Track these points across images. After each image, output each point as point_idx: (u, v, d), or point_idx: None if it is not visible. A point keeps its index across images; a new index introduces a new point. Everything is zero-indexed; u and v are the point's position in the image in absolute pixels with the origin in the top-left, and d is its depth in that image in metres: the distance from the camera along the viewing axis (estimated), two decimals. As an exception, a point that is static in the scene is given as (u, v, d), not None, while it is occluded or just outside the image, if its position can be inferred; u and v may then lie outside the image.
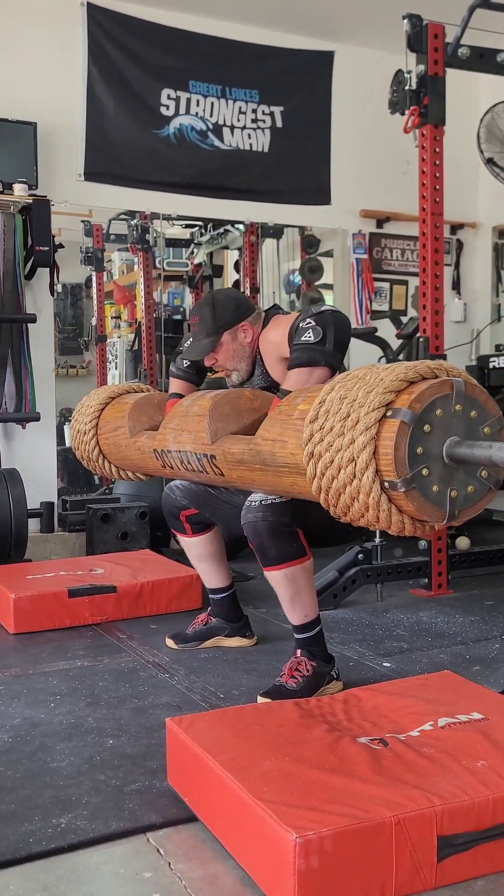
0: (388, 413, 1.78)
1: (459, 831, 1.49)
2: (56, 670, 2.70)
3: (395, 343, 4.79)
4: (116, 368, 5.55)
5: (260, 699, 2.35)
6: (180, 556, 4.06)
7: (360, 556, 3.45)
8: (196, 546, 2.85)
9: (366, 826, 1.43)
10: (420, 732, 1.83)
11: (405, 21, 3.36)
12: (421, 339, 3.49)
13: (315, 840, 1.39)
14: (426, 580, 3.56)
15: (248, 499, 2.42)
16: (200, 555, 2.86)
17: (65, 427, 5.30)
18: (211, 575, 2.89)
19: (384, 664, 2.73)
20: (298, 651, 2.47)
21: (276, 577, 2.42)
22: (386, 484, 1.79)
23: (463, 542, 3.91)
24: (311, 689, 2.39)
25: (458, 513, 1.86)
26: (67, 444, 5.33)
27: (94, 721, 2.28)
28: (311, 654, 2.46)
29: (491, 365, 3.66)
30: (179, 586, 3.35)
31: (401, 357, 4.63)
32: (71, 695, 2.48)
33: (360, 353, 5.20)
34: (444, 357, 3.49)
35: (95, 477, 5.33)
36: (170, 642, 2.92)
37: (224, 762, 1.66)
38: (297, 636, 2.48)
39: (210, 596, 2.93)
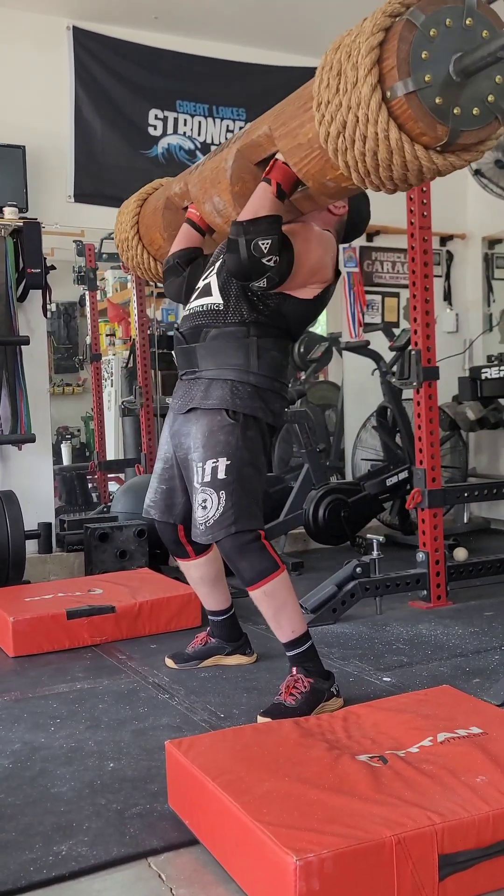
0: (396, 18, 1.77)
1: (460, 849, 1.49)
2: (56, 693, 2.69)
3: (388, 355, 4.81)
4: (112, 386, 5.56)
5: (260, 719, 2.35)
6: (179, 574, 4.06)
7: (358, 569, 3.45)
8: (197, 569, 2.83)
9: (366, 846, 1.43)
10: (419, 748, 1.83)
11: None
12: (413, 352, 3.50)
13: (315, 862, 1.39)
14: (425, 592, 3.56)
15: (195, 519, 2.47)
16: (202, 578, 2.85)
17: (62, 446, 5.31)
18: (211, 598, 2.88)
19: (384, 679, 2.72)
20: (294, 669, 2.47)
21: (257, 596, 2.45)
22: (387, 94, 1.76)
23: (461, 554, 3.91)
24: (310, 705, 2.39)
25: (461, 132, 1.81)
26: (65, 462, 5.34)
27: (94, 744, 2.27)
28: (306, 670, 2.46)
29: (483, 376, 3.67)
30: (178, 605, 3.34)
31: (394, 369, 4.64)
32: (71, 718, 2.48)
33: (353, 365, 5.23)
34: (436, 370, 3.51)
35: (93, 494, 5.34)
36: (169, 662, 2.91)
37: (224, 784, 1.66)
38: (288, 654, 2.49)
39: (210, 618, 2.93)
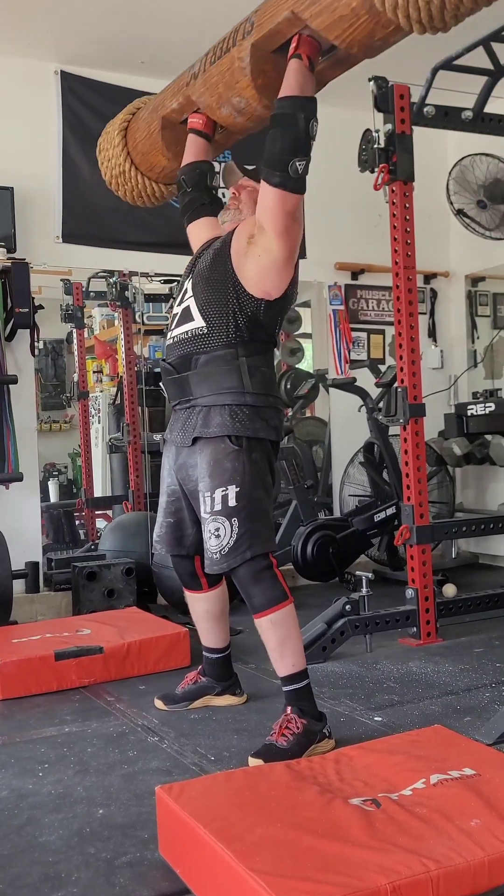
0: None
1: (456, 896, 1.48)
2: (44, 737, 2.65)
3: (374, 392, 4.84)
4: (100, 423, 5.57)
5: (251, 760, 2.33)
6: (167, 613, 4.04)
7: (347, 607, 3.44)
8: (206, 602, 2.82)
9: (361, 895, 1.41)
10: (412, 791, 1.81)
11: (371, 83, 3.46)
12: (399, 389, 3.53)
13: (310, 912, 1.37)
14: (415, 629, 3.55)
15: (207, 550, 2.47)
16: (207, 612, 2.83)
17: (49, 482, 5.29)
18: (211, 634, 2.86)
19: (375, 718, 2.71)
20: (288, 708, 2.45)
21: (264, 624, 2.45)
22: None
23: (449, 590, 3.91)
24: (301, 747, 2.36)
25: None
26: (52, 499, 5.32)
27: (83, 790, 2.24)
28: (300, 710, 2.44)
29: (469, 412, 3.70)
30: (167, 644, 3.32)
31: (380, 405, 4.67)
32: (59, 762, 2.44)
33: (339, 401, 5.26)
34: (422, 406, 3.53)
35: (81, 532, 5.31)
36: (159, 703, 2.88)
37: (215, 831, 1.64)
38: (285, 689, 2.47)
39: (205, 654, 2.90)
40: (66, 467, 5.49)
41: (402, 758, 1.98)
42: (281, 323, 2.61)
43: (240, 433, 2.45)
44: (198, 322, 2.52)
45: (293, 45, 2.35)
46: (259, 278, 2.44)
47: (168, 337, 2.65)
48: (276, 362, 2.80)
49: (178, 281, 2.80)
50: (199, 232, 2.81)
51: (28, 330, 4.27)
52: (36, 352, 4.44)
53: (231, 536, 2.42)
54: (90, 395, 5.38)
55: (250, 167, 2.72)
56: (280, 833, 1.64)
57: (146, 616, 3.72)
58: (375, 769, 1.94)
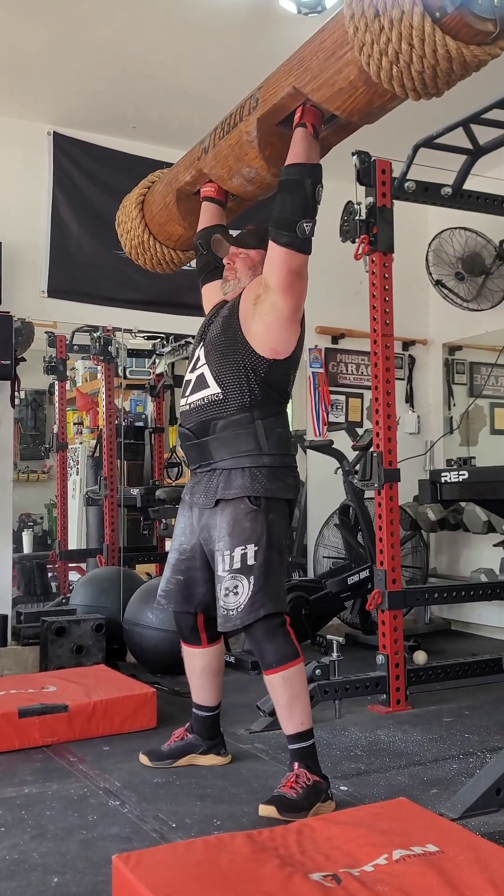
0: None
1: None
2: (2, 798, 2.59)
3: (351, 454, 4.88)
4: (78, 474, 5.56)
5: (262, 808, 2.34)
6: (135, 671, 3.99)
7: (317, 671, 3.41)
8: (203, 658, 2.82)
9: None
10: (374, 867, 1.79)
11: (354, 157, 3.57)
12: (374, 454, 3.56)
13: None
14: (384, 696, 3.52)
15: (221, 607, 2.50)
16: (204, 668, 2.82)
17: (23, 533, 5.26)
18: (205, 691, 2.85)
19: (341, 787, 2.67)
20: (296, 765, 2.46)
21: (275, 681, 2.48)
22: (436, 14, 1.95)
23: (420, 657, 3.89)
24: (310, 801, 2.38)
25: None
26: (25, 550, 5.27)
27: (38, 856, 2.19)
28: (308, 767, 2.45)
29: (443, 479, 3.75)
30: (134, 705, 3.27)
31: (357, 468, 4.71)
32: (16, 826, 2.38)
33: (316, 463, 5.29)
34: (397, 472, 3.56)
35: (53, 584, 5.25)
36: (144, 759, 2.84)
37: (171, 905, 1.60)
38: (291, 747, 2.49)
39: (195, 711, 2.87)
40: (41, 518, 5.45)
41: (365, 831, 1.96)
42: (292, 382, 2.70)
43: (259, 494, 2.52)
44: (213, 388, 2.60)
45: (298, 114, 2.51)
46: (266, 336, 2.54)
47: (183, 403, 2.72)
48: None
49: (191, 346, 2.89)
50: (212, 293, 2.92)
51: (8, 381, 4.29)
52: (16, 402, 4.46)
53: (247, 594, 2.46)
54: (69, 447, 5.38)
55: (236, 234, 2.81)
56: (237, 908, 1.60)
57: (114, 675, 3.66)
58: (338, 842, 1.92)
